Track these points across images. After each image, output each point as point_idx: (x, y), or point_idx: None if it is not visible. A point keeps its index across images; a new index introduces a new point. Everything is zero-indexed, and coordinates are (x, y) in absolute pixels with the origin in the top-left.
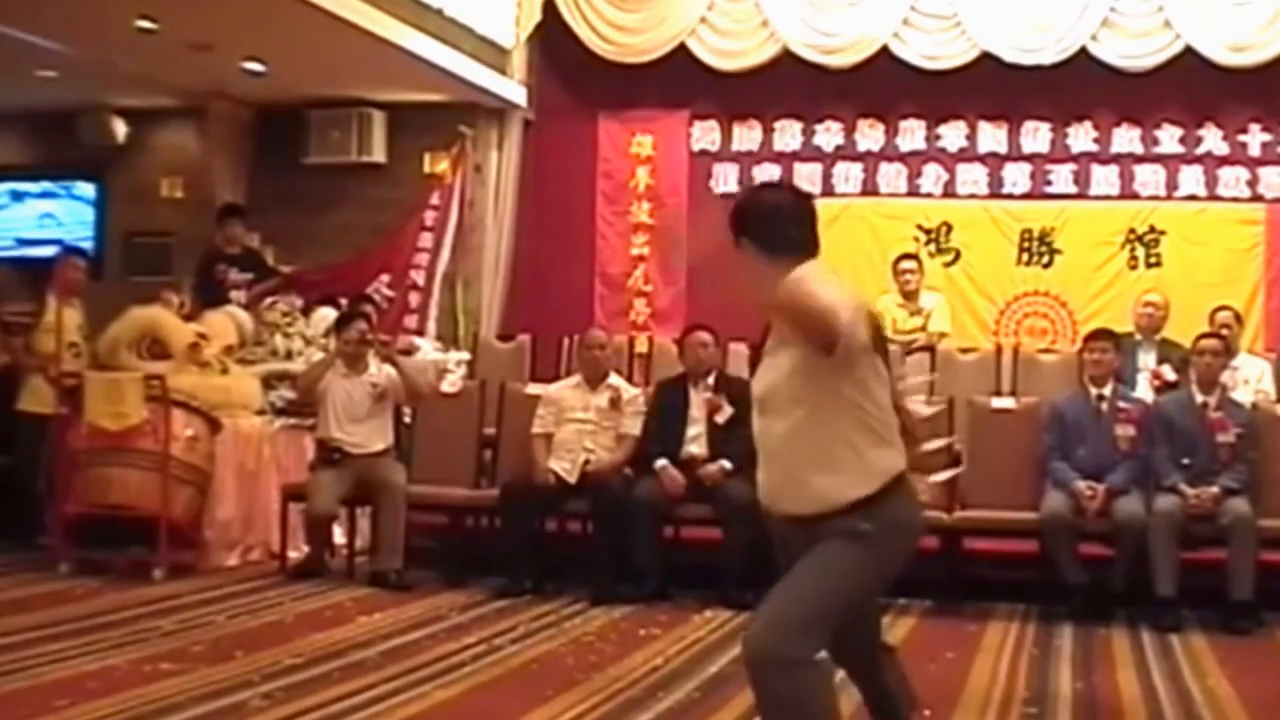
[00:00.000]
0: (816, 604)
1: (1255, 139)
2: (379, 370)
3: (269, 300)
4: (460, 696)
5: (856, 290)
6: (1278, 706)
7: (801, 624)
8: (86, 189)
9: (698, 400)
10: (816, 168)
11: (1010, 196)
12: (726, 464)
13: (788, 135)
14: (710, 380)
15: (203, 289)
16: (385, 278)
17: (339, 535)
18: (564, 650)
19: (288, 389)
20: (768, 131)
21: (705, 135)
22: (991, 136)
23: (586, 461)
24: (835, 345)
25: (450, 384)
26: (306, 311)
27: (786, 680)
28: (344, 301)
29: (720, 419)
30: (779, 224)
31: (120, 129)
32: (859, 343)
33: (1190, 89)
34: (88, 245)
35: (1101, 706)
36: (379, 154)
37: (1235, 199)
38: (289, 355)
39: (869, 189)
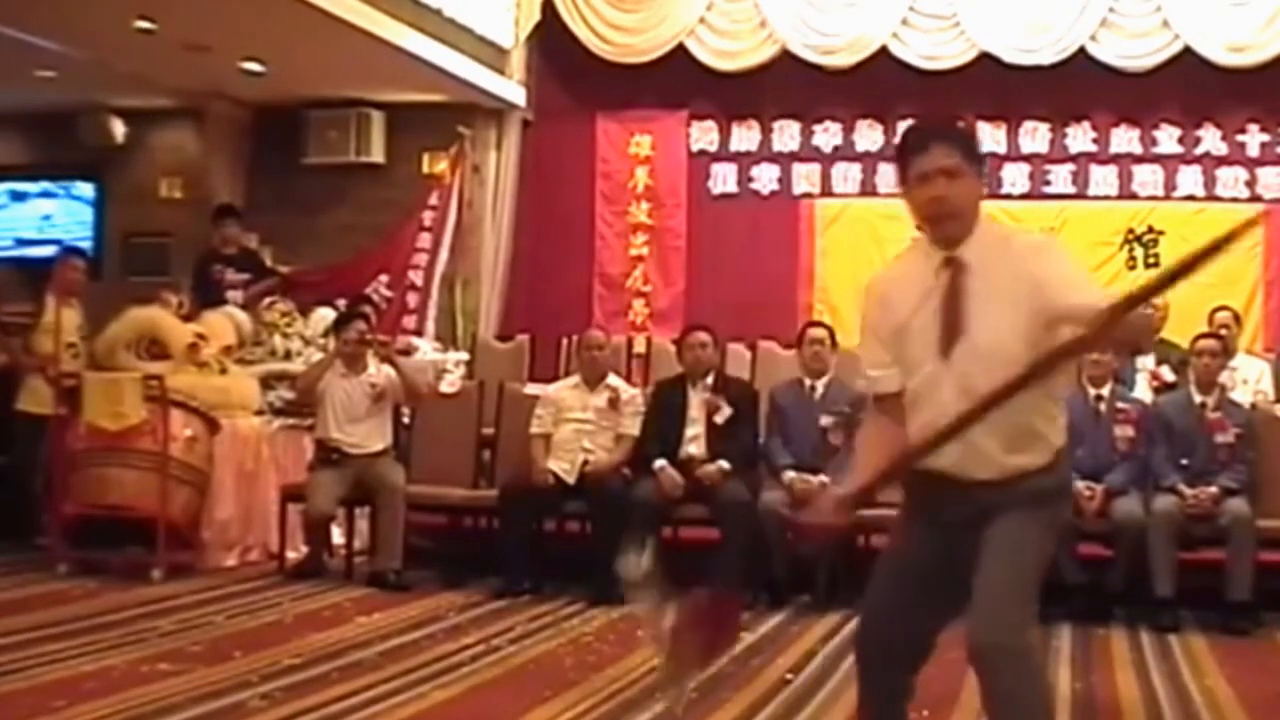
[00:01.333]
0: (1028, 585)
1: (1254, 139)
2: (378, 370)
3: (267, 300)
4: (459, 697)
5: None
6: (1276, 706)
7: (1023, 608)
8: (85, 189)
9: (696, 401)
10: (815, 168)
11: (1009, 196)
12: (725, 464)
13: (786, 135)
14: (709, 381)
15: (199, 289)
16: (384, 278)
17: (338, 535)
18: (562, 651)
19: (286, 389)
20: (766, 132)
21: (704, 135)
22: (990, 136)
23: (585, 462)
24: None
25: (449, 384)
26: (305, 312)
27: (1021, 671)
28: (342, 302)
29: (719, 419)
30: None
31: (119, 129)
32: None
33: (1189, 89)
34: (86, 245)
35: (1100, 707)
36: (377, 154)
37: (1234, 199)
38: (288, 355)
39: (868, 189)
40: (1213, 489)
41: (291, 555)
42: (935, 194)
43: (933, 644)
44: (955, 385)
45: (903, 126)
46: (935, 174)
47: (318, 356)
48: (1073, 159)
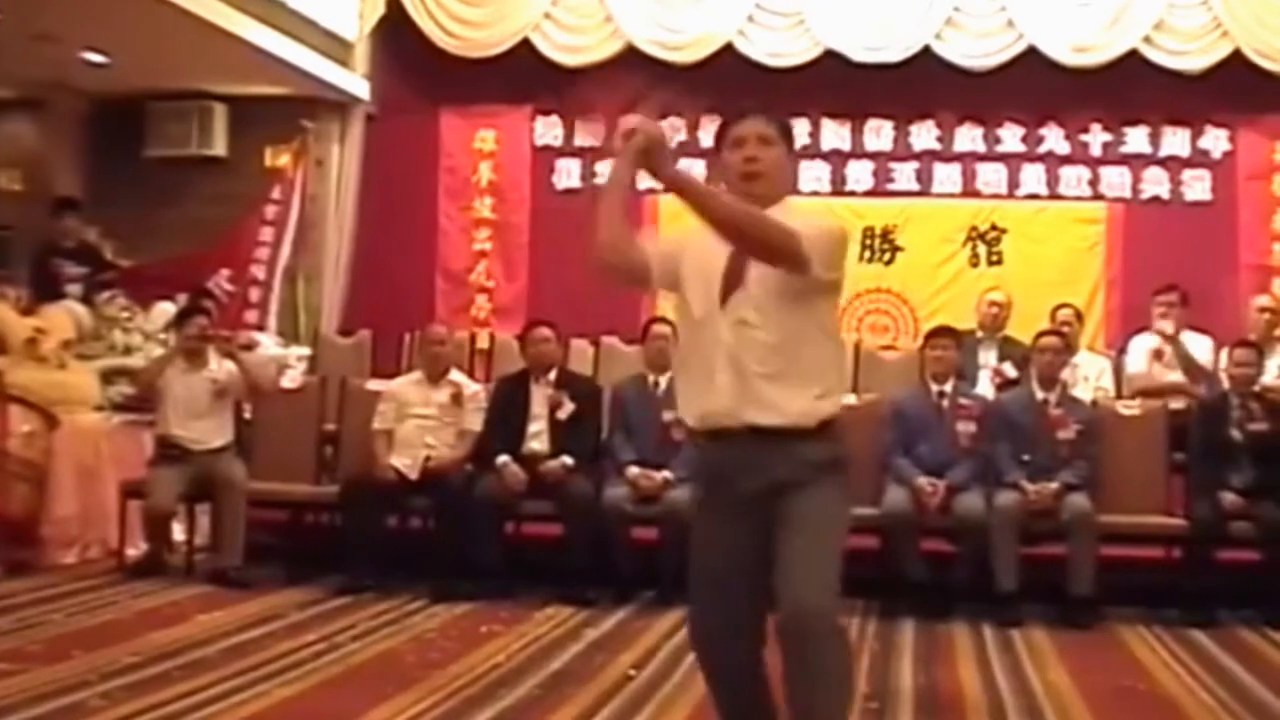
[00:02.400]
0: (834, 560)
1: (1096, 138)
2: (219, 366)
3: (107, 294)
4: (301, 695)
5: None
6: (1117, 699)
7: (832, 584)
8: None
9: (539, 396)
10: None
11: (853, 194)
12: (568, 460)
13: None
14: (552, 376)
15: (38, 283)
16: (225, 272)
17: (178, 532)
18: (405, 648)
19: (127, 385)
20: (611, 127)
21: (548, 130)
22: (835, 134)
23: (428, 458)
24: (804, 266)
25: (291, 379)
26: (146, 306)
27: (838, 647)
28: (183, 296)
29: (562, 415)
30: None
31: None
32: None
33: (1032, 88)
34: None
35: (943, 701)
36: (220, 147)
37: (1076, 198)
38: (128, 350)
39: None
40: (1054, 485)
41: (131, 552)
42: (748, 154)
43: (764, 622)
44: (728, 324)
45: None
46: (750, 137)
47: (158, 352)
48: (917, 156)
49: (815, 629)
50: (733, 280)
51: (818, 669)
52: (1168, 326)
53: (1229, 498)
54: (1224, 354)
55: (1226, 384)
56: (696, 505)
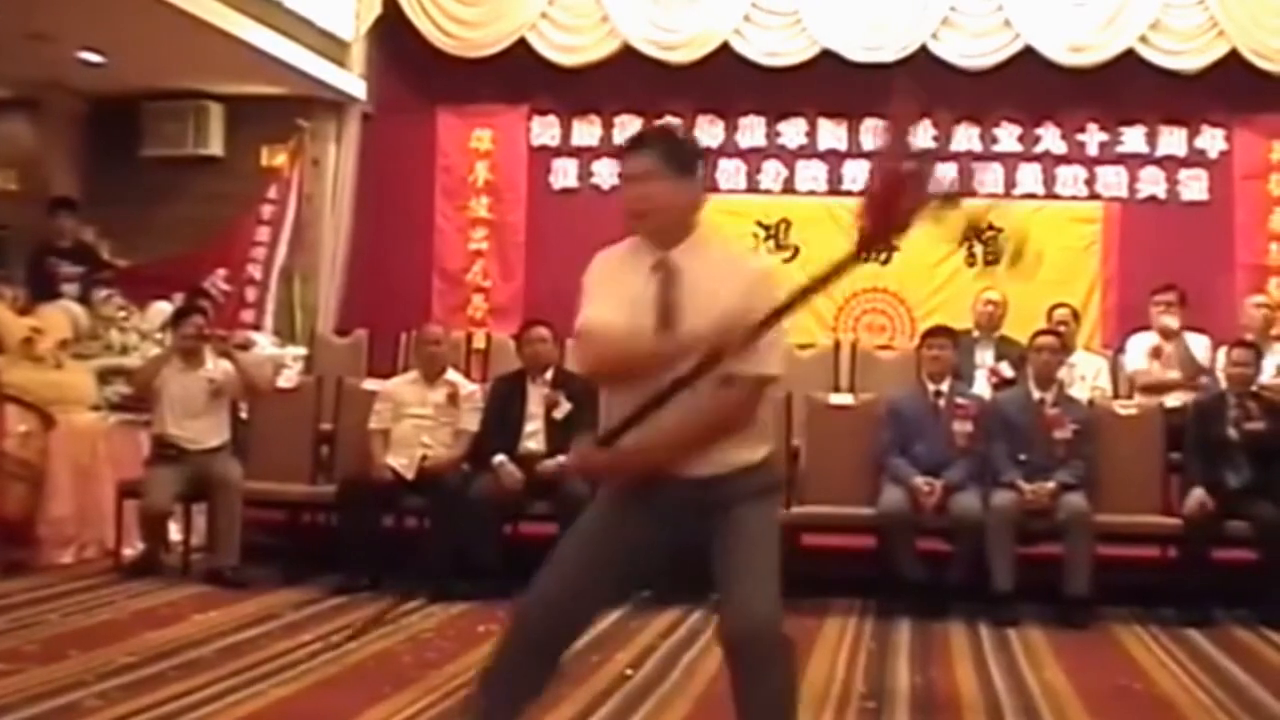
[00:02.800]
0: (774, 577)
1: (1093, 138)
2: (215, 365)
3: (103, 294)
4: (297, 694)
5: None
6: (1113, 698)
7: (776, 599)
8: None
9: (535, 396)
10: None
11: (850, 194)
12: (564, 459)
13: (628, 131)
14: (548, 376)
15: (34, 283)
16: (222, 272)
17: (175, 532)
18: (402, 648)
19: (123, 384)
20: (607, 127)
21: (545, 130)
22: (831, 134)
23: (424, 457)
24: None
25: (287, 379)
26: (142, 306)
27: (785, 658)
28: (180, 296)
29: (558, 415)
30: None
31: None
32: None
33: (1029, 88)
34: None
35: (940, 700)
36: (216, 147)
37: (1073, 197)
38: (124, 350)
39: (709, 185)
40: (1050, 484)
41: (128, 552)
42: (631, 194)
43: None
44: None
45: (744, 123)
46: (633, 175)
47: (155, 351)
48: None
49: (765, 639)
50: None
51: (765, 678)
52: (1173, 321)
53: (1196, 494)
54: (1221, 353)
55: (1224, 383)
56: (608, 494)
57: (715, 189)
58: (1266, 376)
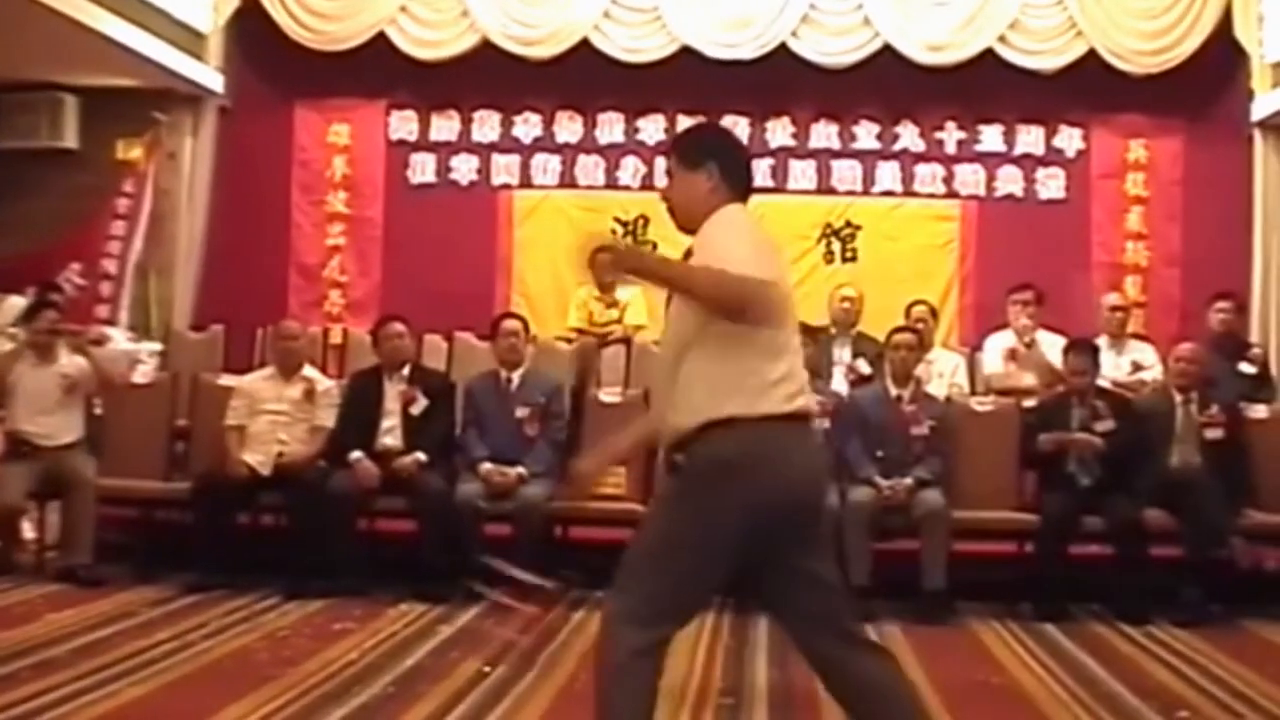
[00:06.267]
0: (638, 566)
1: (951, 136)
2: (70, 361)
3: None
4: (153, 694)
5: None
6: (970, 693)
7: (624, 588)
8: None
9: (392, 392)
10: (515, 159)
11: None
12: (421, 456)
13: (486, 126)
14: (405, 372)
15: None
16: (76, 266)
17: (28, 530)
18: (258, 645)
19: None
20: (466, 122)
21: (403, 125)
22: None
23: (280, 454)
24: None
25: (142, 375)
26: None
27: (608, 648)
28: (33, 290)
29: (415, 410)
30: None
31: None
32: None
33: (888, 86)
34: None
35: (797, 696)
36: (71, 140)
37: (931, 195)
38: None
39: (567, 181)
40: (907, 480)
41: None
42: (660, 193)
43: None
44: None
45: (603, 119)
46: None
47: (8, 346)
48: (772, 153)
49: (601, 628)
50: None
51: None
52: (1029, 324)
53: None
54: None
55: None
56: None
57: (574, 185)
58: (1122, 374)
